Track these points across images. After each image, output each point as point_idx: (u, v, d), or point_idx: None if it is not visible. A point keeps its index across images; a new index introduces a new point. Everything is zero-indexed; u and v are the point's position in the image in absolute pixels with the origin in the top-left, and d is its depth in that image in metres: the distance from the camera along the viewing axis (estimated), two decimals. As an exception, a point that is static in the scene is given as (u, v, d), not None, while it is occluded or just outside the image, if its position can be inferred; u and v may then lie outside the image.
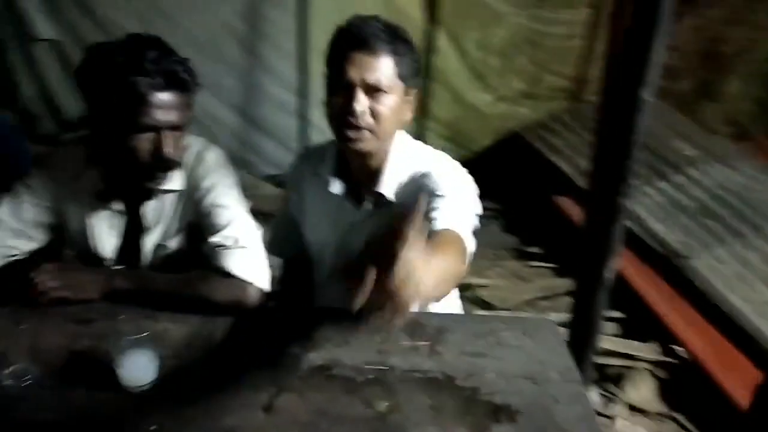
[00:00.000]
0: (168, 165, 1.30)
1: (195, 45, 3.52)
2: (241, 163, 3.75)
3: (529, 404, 1.07)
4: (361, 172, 1.34)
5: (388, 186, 1.31)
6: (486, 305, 2.74)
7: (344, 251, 1.43)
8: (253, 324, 1.26)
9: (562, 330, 2.29)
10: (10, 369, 1.05)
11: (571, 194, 3.19)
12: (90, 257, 1.43)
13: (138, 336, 1.05)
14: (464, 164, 1.36)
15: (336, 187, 1.36)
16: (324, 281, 1.53)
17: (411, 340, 1.24)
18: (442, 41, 3.70)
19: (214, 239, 1.32)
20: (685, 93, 3.96)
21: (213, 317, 1.26)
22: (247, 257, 1.31)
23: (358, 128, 1.20)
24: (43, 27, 3.42)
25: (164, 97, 1.22)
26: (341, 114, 1.20)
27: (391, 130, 1.26)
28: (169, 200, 1.39)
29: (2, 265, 1.35)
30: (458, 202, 1.24)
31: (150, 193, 1.36)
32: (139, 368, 1.06)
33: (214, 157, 1.40)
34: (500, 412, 1.05)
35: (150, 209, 1.38)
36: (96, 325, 1.20)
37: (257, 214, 3.03)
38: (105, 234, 1.40)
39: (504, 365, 1.17)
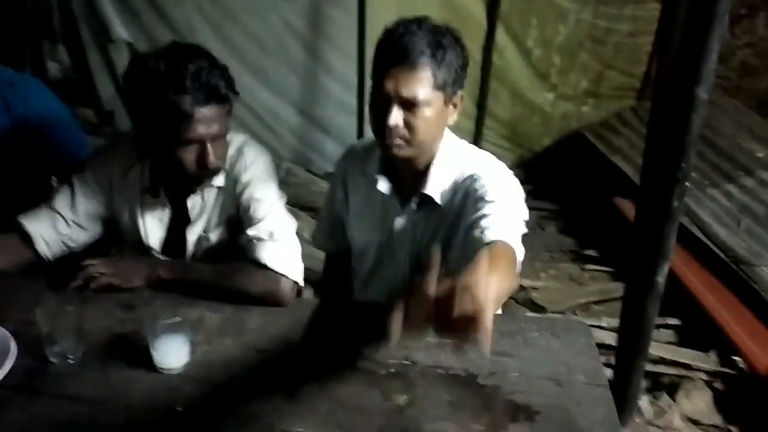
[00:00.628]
0: (212, 172, 1.36)
1: (260, 46, 3.64)
2: (301, 160, 3.85)
3: (549, 405, 1.05)
4: (406, 172, 1.36)
5: (434, 188, 1.32)
6: (537, 308, 2.70)
7: (387, 250, 1.45)
8: (283, 315, 1.30)
9: (608, 334, 2.26)
10: (57, 348, 1.13)
11: (631, 196, 3.08)
12: (139, 248, 1.52)
13: (172, 321, 1.10)
14: (523, 164, 1.38)
15: (382, 185, 1.38)
16: (364, 278, 1.55)
17: (436, 337, 1.24)
18: (503, 39, 3.65)
19: (250, 232, 1.37)
20: (762, 92, 3.74)
21: (246, 307, 1.31)
22: (281, 250, 1.35)
23: (394, 138, 1.22)
24: (120, 29, 3.63)
25: (206, 111, 1.26)
26: (380, 125, 1.22)
27: (429, 139, 1.26)
28: (210, 195, 1.45)
29: (59, 255, 1.46)
30: (507, 210, 1.23)
31: (194, 189, 1.43)
32: (172, 352, 1.12)
33: (253, 153, 1.45)
34: (519, 411, 1.04)
35: (193, 203, 1.45)
36: (138, 311, 1.27)
37: (313, 210, 3.10)
38: (152, 226, 1.48)
39: (528, 365, 1.15)
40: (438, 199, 1.32)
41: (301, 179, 3.58)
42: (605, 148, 3.48)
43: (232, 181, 1.43)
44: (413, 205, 1.36)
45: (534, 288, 2.83)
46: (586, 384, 1.10)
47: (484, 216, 1.19)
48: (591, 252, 3.12)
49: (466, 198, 1.29)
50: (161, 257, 1.50)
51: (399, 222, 1.40)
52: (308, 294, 1.54)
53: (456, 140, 1.38)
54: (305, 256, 1.42)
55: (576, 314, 2.63)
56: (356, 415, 1.03)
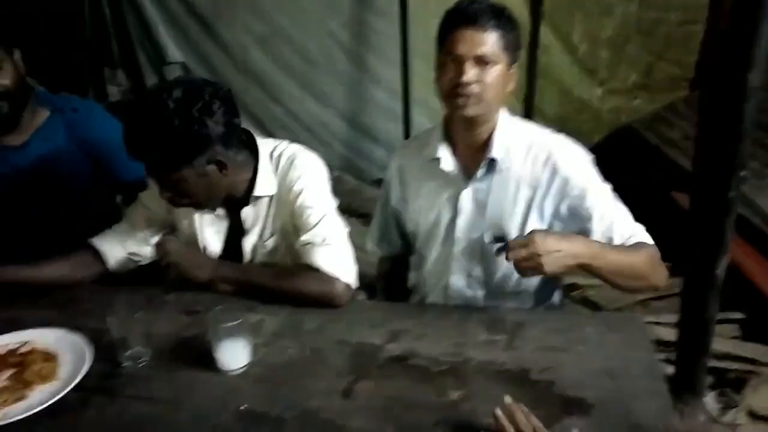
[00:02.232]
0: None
1: (307, 59, 3.74)
2: (350, 168, 3.91)
3: (604, 399, 1.05)
4: (470, 142, 1.41)
5: (499, 150, 1.39)
6: (594, 306, 2.65)
7: (455, 228, 1.47)
8: (337, 316, 1.34)
9: (669, 330, 2.20)
10: (129, 352, 1.21)
11: (689, 189, 3.00)
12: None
13: (233, 324, 1.16)
14: None
15: (445, 162, 1.44)
16: (433, 262, 1.56)
17: (488, 334, 1.26)
18: (547, 36, 3.61)
19: (305, 237, 1.41)
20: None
21: (302, 310, 1.36)
22: (335, 253, 1.39)
23: (467, 96, 1.29)
24: (174, 51, 3.79)
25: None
26: (452, 86, 1.30)
27: (497, 99, 1.34)
28: (264, 204, 1.50)
29: (129, 270, 1.56)
30: (615, 204, 1.39)
31: (247, 200, 1.49)
32: (234, 354, 1.18)
33: (304, 161, 1.49)
34: (573, 405, 1.04)
35: (248, 213, 1.51)
36: (201, 316, 1.33)
37: (363, 216, 3.14)
38: (210, 238, 1.55)
39: (583, 360, 1.15)
40: (505, 163, 1.39)
41: (351, 186, 3.63)
42: (659, 141, 3.40)
43: (285, 189, 1.48)
44: (479, 174, 1.41)
45: (590, 286, 2.78)
46: (642, 378, 1.09)
47: (611, 221, 1.37)
48: (648, 248, 3.04)
49: (554, 174, 1.38)
50: None
51: (465, 195, 1.44)
52: (361, 297, 1.58)
53: (511, 116, 1.45)
54: (356, 261, 1.46)
55: (634, 311, 2.57)
56: (411, 410, 1.06)
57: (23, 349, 1.23)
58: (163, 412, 1.08)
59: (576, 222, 1.40)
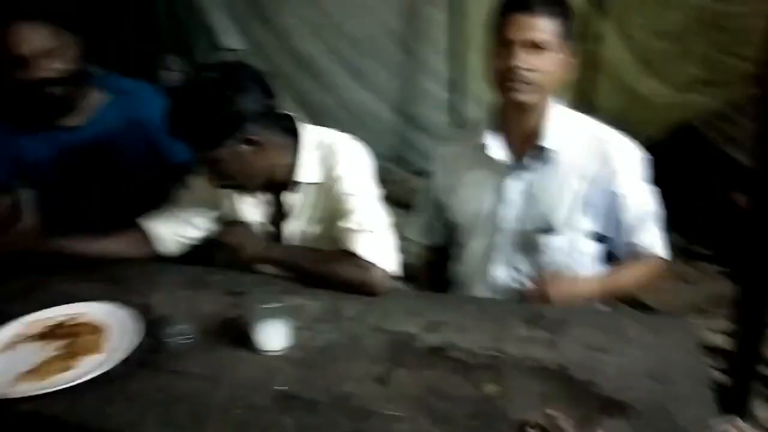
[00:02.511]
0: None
1: (357, 47, 3.75)
2: (397, 158, 3.91)
3: (646, 401, 1.02)
4: (521, 130, 1.41)
5: (550, 140, 1.38)
6: (645, 308, 2.58)
7: (500, 217, 1.48)
8: (377, 304, 1.35)
9: (721, 337, 2.12)
10: (173, 329, 1.24)
11: (749, 190, 2.87)
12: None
13: (273, 306, 1.18)
14: None
15: (494, 150, 1.44)
16: (477, 254, 1.56)
17: (528, 330, 1.24)
18: (607, 28, 3.51)
19: (346, 224, 1.42)
20: None
21: (343, 296, 1.37)
22: (375, 241, 1.40)
23: (520, 81, 1.30)
24: (228, 37, 3.86)
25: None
26: (505, 71, 1.31)
27: (550, 85, 1.34)
28: (307, 191, 1.52)
29: (176, 250, 1.61)
30: (657, 215, 1.43)
31: (290, 185, 1.51)
32: (273, 335, 1.19)
33: (348, 149, 1.50)
34: (613, 406, 1.02)
35: (290, 199, 1.53)
36: (245, 297, 1.36)
37: (408, 207, 3.13)
38: (252, 220, 1.58)
39: (626, 361, 1.12)
40: (555, 153, 1.39)
41: (397, 177, 3.63)
42: (720, 139, 3.26)
43: (329, 177, 1.49)
44: (526, 163, 1.41)
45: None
46: (686, 382, 1.05)
47: (638, 225, 1.41)
48: (703, 250, 2.94)
49: (604, 167, 1.38)
50: None
51: (511, 184, 1.44)
52: (400, 285, 1.58)
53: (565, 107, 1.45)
54: (402, 252, 1.46)
55: (687, 315, 2.49)
56: (445, 401, 1.05)
57: (74, 322, 1.28)
58: (202, 388, 1.11)
59: (608, 217, 1.42)
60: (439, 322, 1.28)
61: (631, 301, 2.56)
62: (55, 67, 1.56)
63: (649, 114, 3.75)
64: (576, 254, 1.45)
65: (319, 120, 3.84)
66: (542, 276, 1.28)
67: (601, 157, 1.38)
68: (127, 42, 3.87)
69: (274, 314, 1.19)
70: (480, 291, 1.55)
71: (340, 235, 1.43)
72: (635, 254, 1.45)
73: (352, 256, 1.39)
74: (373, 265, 1.37)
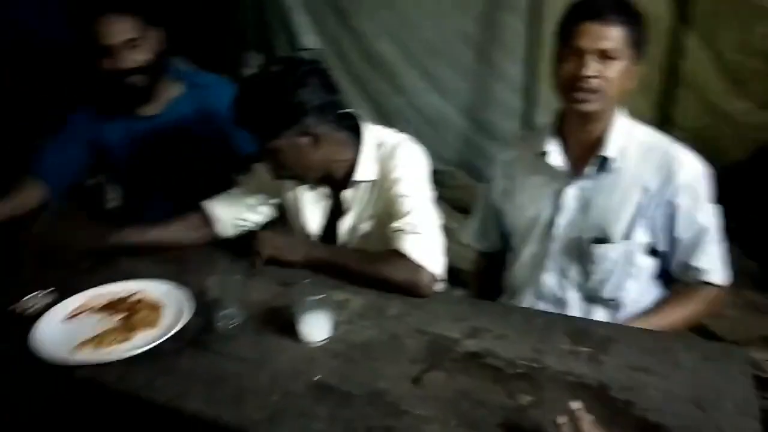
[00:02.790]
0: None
1: (433, 52, 3.75)
2: (465, 164, 3.89)
3: (686, 428, 0.98)
4: (582, 139, 1.40)
5: (613, 149, 1.36)
6: (710, 336, 2.45)
7: (554, 226, 1.46)
8: (420, 306, 1.35)
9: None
10: (223, 312, 1.29)
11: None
12: (300, 233, 1.67)
13: (316, 298, 1.21)
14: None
15: (554, 156, 1.43)
16: (527, 263, 1.55)
17: (572, 345, 1.21)
18: (692, 42, 3.36)
19: (396, 224, 1.44)
20: None
21: (388, 295, 1.38)
22: (424, 242, 1.40)
23: (587, 90, 1.29)
24: (307, 37, 3.96)
25: None
26: (572, 79, 1.30)
27: (616, 95, 1.33)
28: (363, 189, 1.55)
29: (236, 234, 1.68)
30: (717, 237, 1.38)
31: (348, 182, 1.54)
32: (315, 326, 1.23)
33: (405, 151, 1.52)
34: (650, 429, 0.98)
35: (348, 195, 1.56)
36: (293, 288, 1.40)
37: (468, 212, 3.09)
38: (312, 215, 1.63)
39: (669, 385, 1.08)
40: (618, 163, 1.36)
41: (462, 182, 3.61)
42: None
43: (385, 177, 1.52)
44: (587, 172, 1.39)
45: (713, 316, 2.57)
46: (733, 413, 1.00)
47: (696, 245, 1.36)
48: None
49: (668, 182, 1.34)
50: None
51: (570, 192, 1.43)
52: (445, 289, 1.59)
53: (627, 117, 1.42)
54: (457, 257, 1.47)
55: (754, 346, 2.35)
56: (478, 407, 1.05)
57: (135, 298, 1.36)
58: (244, 371, 1.15)
59: (665, 233, 1.38)
60: (481, 328, 1.27)
61: (694, 328, 2.44)
62: (137, 58, 1.67)
63: (731, 132, 3.56)
64: (630, 267, 1.41)
65: (389, 121, 3.90)
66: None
67: (663, 170, 1.35)
68: (212, 38, 4.05)
69: (318, 307, 1.22)
70: (529, 298, 1.53)
71: (391, 235, 1.44)
72: (690, 278, 1.39)
73: (401, 257, 1.40)
74: (422, 266, 1.38)
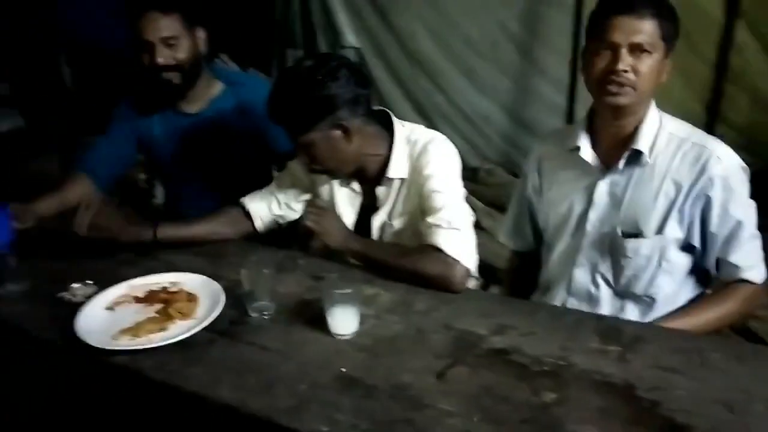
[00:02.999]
0: None
1: (475, 49, 3.74)
2: (506, 162, 3.86)
3: (715, 430, 0.96)
4: (614, 133, 1.39)
5: (645, 143, 1.36)
6: (755, 338, 2.37)
7: (586, 222, 1.46)
8: (447, 302, 1.36)
9: None
10: (256, 304, 1.33)
11: None
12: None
13: (345, 292, 1.23)
14: (757, 177, 1.36)
15: (585, 152, 1.43)
16: (558, 259, 1.55)
17: (601, 343, 1.20)
18: (744, 37, 3.24)
19: (430, 219, 1.45)
20: None
21: (416, 290, 1.40)
22: (458, 238, 1.41)
23: (620, 84, 1.28)
24: (350, 36, 4.00)
25: None
26: (605, 73, 1.30)
27: (649, 88, 1.32)
28: (395, 185, 1.57)
29: (269, 230, 1.72)
30: (754, 233, 1.35)
31: (381, 179, 1.56)
32: (344, 320, 1.25)
33: (438, 148, 1.53)
34: (677, 431, 0.97)
35: (380, 192, 1.58)
36: (324, 282, 1.43)
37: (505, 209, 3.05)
38: (345, 210, 1.65)
39: (699, 386, 1.06)
40: (648, 157, 1.35)
41: (502, 180, 3.59)
42: None
43: (417, 173, 1.53)
44: (620, 166, 1.38)
45: (755, 317, 2.49)
46: (764, 415, 0.98)
47: (731, 240, 1.33)
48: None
49: (701, 174, 1.32)
50: None
51: (602, 187, 1.42)
52: (474, 285, 1.59)
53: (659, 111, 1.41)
54: (493, 255, 1.47)
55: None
56: (501, 403, 1.05)
57: (172, 289, 1.41)
58: (273, 361, 1.19)
59: (699, 227, 1.35)
60: (508, 325, 1.27)
61: (737, 330, 2.37)
62: (173, 56, 1.73)
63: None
64: (663, 263, 1.39)
65: (429, 119, 3.91)
66: None
67: (696, 163, 1.32)
68: (258, 37, 4.14)
69: (347, 300, 1.25)
70: (561, 294, 1.53)
71: (425, 230, 1.45)
72: (726, 275, 1.35)
73: (435, 252, 1.41)
74: (456, 261, 1.39)
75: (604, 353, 1.17)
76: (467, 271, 1.41)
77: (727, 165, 1.32)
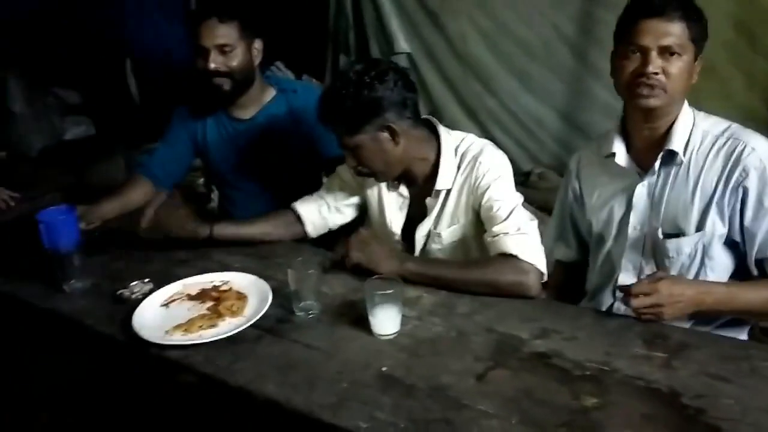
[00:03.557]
0: None
1: (528, 52, 3.69)
2: (559, 166, 3.78)
3: (762, 441, 0.93)
4: (647, 135, 1.39)
5: (678, 143, 1.35)
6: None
7: (627, 225, 1.45)
8: (491, 305, 1.37)
9: None
10: (302, 303, 1.37)
11: None
12: (383, 231, 1.72)
13: (386, 293, 1.25)
14: None
15: (620, 157, 1.43)
16: (599, 269, 1.55)
17: (646, 349, 1.18)
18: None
19: (496, 228, 1.44)
20: None
21: (458, 294, 1.41)
22: (528, 242, 1.41)
23: (651, 87, 1.29)
24: (402, 42, 4.03)
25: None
26: (635, 76, 1.30)
27: (681, 90, 1.32)
28: (443, 196, 1.58)
29: (321, 233, 1.77)
30: None
31: (430, 190, 1.58)
32: (386, 320, 1.27)
33: (490, 158, 1.53)
34: (722, 440, 0.94)
35: (428, 202, 1.60)
36: (367, 283, 1.44)
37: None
38: (394, 214, 1.67)
39: (747, 394, 1.03)
40: (683, 156, 1.35)
41: (554, 184, 3.53)
42: None
43: (469, 186, 1.54)
44: (655, 167, 1.38)
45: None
46: (817, 428, 0.94)
47: None
48: None
49: (736, 166, 1.30)
50: (400, 244, 1.68)
51: (640, 190, 1.42)
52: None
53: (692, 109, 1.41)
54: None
55: None
56: (540, 406, 1.05)
57: (223, 287, 1.47)
58: (316, 359, 1.22)
59: (737, 220, 1.33)
60: (550, 329, 1.26)
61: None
62: (227, 63, 1.80)
63: None
64: (707, 261, 1.36)
65: (482, 124, 3.88)
66: (654, 284, 1.21)
67: (732, 155, 1.31)
68: (313, 44, 4.22)
69: (389, 301, 1.27)
70: (607, 299, 1.52)
71: (491, 240, 1.44)
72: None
73: (507, 259, 1.39)
74: (532, 265, 1.38)
75: (648, 359, 1.15)
76: (541, 275, 1.40)
77: (762, 155, 1.29)
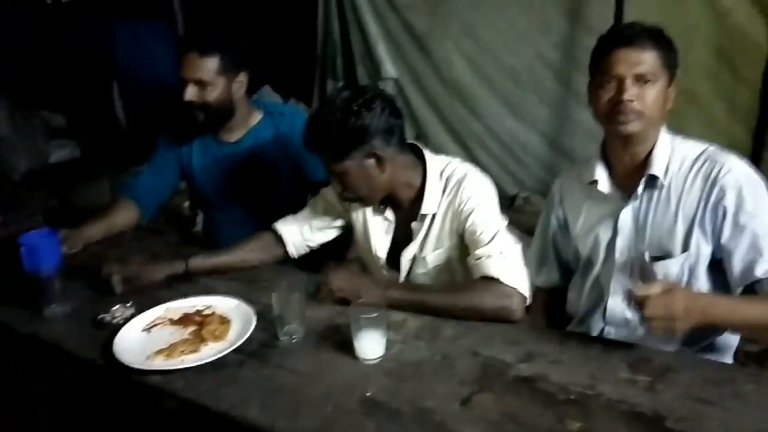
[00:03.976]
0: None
1: (513, 78, 3.75)
2: (544, 189, 3.81)
3: (746, 465, 0.93)
4: (628, 162, 1.41)
5: (659, 167, 1.38)
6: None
7: (614, 249, 1.46)
8: (476, 329, 1.36)
9: None
10: (285, 328, 1.36)
11: None
12: (368, 255, 1.72)
13: (371, 316, 1.25)
14: None
15: (602, 184, 1.46)
16: (588, 294, 1.55)
17: (630, 373, 1.18)
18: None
19: (480, 251, 1.45)
20: None
21: (443, 319, 1.40)
22: (511, 266, 1.41)
23: (627, 113, 1.32)
24: (389, 67, 4.07)
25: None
26: (612, 104, 1.33)
27: (657, 116, 1.35)
28: (428, 220, 1.58)
29: (301, 254, 1.76)
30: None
31: (415, 214, 1.58)
32: (370, 344, 1.27)
33: (473, 182, 1.55)
34: (705, 464, 0.94)
35: (414, 226, 1.60)
36: (352, 307, 1.44)
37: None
38: (380, 238, 1.67)
39: (731, 418, 1.03)
40: (664, 180, 1.38)
41: (539, 208, 3.55)
42: None
43: (453, 210, 1.54)
44: (639, 192, 1.40)
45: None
46: (800, 450, 0.94)
47: (754, 253, 1.29)
48: None
49: (713, 186, 1.33)
50: (386, 268, 1.68)
51: (624, 215, 1.44)
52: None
53: (671, 134, 1.44)
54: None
55: None
56: (525, 430, 1.04)
57: (206, 312, 1.46)
58: (301, 384, 1.21)
59: (715, 240, 1.34)
60: (535, 353, 1.26)
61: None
62: (203, 97, 1.82)
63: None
64: (694, 281, 1.38)
65: (467, 147, 3.92)
66: (669, 294, 1.15)
67: (709, 175, 1.34)
68: (299, 69, 4.26)
69: (373, 325, 1.26)
70: (597, 323, 1.52)
71: (474, 264, 1.45)
72: (761, 290, 1.30)
73: (490, 283, 1.39)
74: (514, 289, 1.38)
75: (632, 382, 1.15)
76: (525, 299, 1.40)
77: (738, 175, 1.32)
